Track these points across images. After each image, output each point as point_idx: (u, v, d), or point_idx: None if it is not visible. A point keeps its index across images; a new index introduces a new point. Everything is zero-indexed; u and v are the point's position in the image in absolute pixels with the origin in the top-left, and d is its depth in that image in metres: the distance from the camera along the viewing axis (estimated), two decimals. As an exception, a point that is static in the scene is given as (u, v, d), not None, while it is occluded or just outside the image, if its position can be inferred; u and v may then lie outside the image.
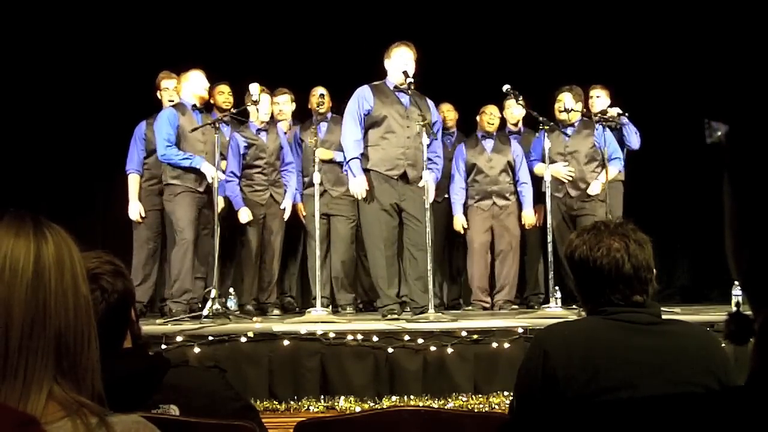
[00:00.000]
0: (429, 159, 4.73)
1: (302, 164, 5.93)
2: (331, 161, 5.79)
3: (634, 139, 5.87)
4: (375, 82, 4.95)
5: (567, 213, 5.77)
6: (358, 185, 4.80)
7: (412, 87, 4.77)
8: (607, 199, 5.23)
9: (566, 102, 5.53)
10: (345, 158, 4.93)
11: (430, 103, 4.99)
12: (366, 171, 4.80)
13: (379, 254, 4.80)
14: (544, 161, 5.21)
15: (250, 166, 5.68)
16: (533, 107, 5.25)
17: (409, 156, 4.74)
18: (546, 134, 5.15)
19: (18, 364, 0.97)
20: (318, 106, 5.42)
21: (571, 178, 5.70)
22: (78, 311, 1.03)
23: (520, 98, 5.19)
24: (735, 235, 0.79)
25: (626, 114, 5.71)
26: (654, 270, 1.91)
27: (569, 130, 5.72)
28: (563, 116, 5.68)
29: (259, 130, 5.73)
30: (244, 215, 5.58)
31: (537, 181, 5.86)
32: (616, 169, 5.67)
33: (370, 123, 4.85)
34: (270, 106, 5.76)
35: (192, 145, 5.23)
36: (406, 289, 4.88)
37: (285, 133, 6.00)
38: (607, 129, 5.37)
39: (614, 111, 5.67)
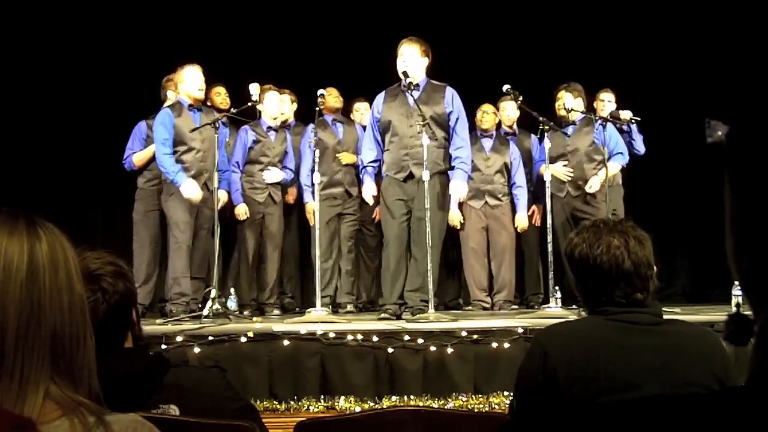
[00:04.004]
0: (452, 159, 4.89)
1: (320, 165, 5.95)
2: (353, 164, 5.91)
3: (640, 144, 5.88)
4: (392, 86, 4.98)
5: (571, 213, 5.74)
6: (364, 192, 5.14)
7: (412, 86, 4.76)
8: (607, 200, 5.21)
9: (566, 101, 5.51)
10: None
11: (449, 93, 4.91)
12: (385, 176, 4.94)
13: (386, 255, 4.90)
14: (548, 161, 5.25)
15: (253, 162, 5.70)
16: (533, 107, 5.24)
17: (414, 155, 4.73)
18: (546, 134, 5.16)
19: (14, 364, 0.97)
20: (319, 107, 5.43)
21: (570, 178, 5.69)
22: (73, 310, 1.03)
23: (520, 98, 5.18)
24: (735, 235, 0.79)
25: (638, 119, 5.65)
26: (654, 267, 1.90)
27: (570, 129, 5.70)
28: (563, 113, 5.65)
29: (269, 128, 5.77)
30: (241, 212, 5.61)
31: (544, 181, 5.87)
32: (618, 165, 5.63)
33: (382, 129, 4.94)
34: (279, 103, 5.81)
35: (191, 145, 5.22)
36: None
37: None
38: (611, 127, 5.37)
39: (626, 114, 5.64)
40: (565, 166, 5.71)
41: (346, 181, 5.88)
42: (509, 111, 6.16)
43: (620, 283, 1.85)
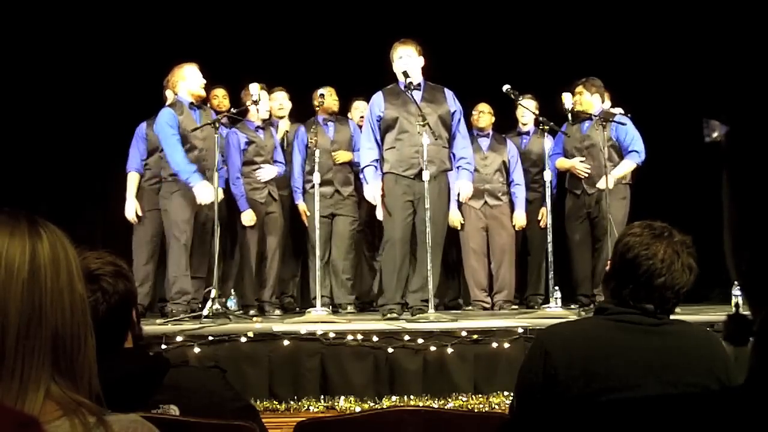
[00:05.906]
0: (456, 159, 4.90)
1: (308, 165, 5.92)
2: (349, 162, 5.88)
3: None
4: (389, 86, 4.97)
5: (586, 212, 5.63)
6: (370, 192, 4.93)
7: (413, 85, 4.76)
8: (607, 200, 5.15)
9: (584, 96, 5.47)
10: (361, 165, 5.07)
11: (449, 93, 4.95)
12: (386, 174, 4.86)
13: (390, 255, 4.84)
14: (566, 156, 5.32)
15: (249, 163, 5.69)
16: (542, 105, 5.23)
17: (423, 153, 4.73)
18: (547, 133, 5.14)
19: (15, 363, 0.97)
20: (318, 106, 5.46)
21: (587, 174, 5.56)
22: (74, 310, 1.03)
23: (520, 98, 5.16)
24: (734, 235, 0.79)
25: (629, 115, 5.59)
26: (681, 297, 1.86)
27: (586, 124, 5.63)
28: (579, 108, 5.49)
29: (257, 128, 5.75)
30: (248, 218, 5.58)
31: (561, 175, 5.88)
32: (632, 163, 5.44)
33: (384, 127, 4.89)
34: (268, 103, 5.80)
35: (194, 143, 5.20)
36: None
37: (286, 131, 6.06)
38: (630, 124, 5.37)
39: (617, 111, 5.59)
40: (582, 162, 5.58)
41: (336, 179, 5.84)
42: (526, 110, 6.13)
43: (642, 289, 1.84)
